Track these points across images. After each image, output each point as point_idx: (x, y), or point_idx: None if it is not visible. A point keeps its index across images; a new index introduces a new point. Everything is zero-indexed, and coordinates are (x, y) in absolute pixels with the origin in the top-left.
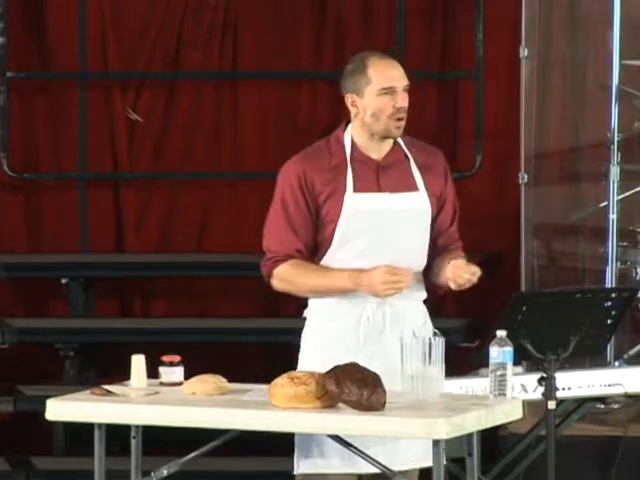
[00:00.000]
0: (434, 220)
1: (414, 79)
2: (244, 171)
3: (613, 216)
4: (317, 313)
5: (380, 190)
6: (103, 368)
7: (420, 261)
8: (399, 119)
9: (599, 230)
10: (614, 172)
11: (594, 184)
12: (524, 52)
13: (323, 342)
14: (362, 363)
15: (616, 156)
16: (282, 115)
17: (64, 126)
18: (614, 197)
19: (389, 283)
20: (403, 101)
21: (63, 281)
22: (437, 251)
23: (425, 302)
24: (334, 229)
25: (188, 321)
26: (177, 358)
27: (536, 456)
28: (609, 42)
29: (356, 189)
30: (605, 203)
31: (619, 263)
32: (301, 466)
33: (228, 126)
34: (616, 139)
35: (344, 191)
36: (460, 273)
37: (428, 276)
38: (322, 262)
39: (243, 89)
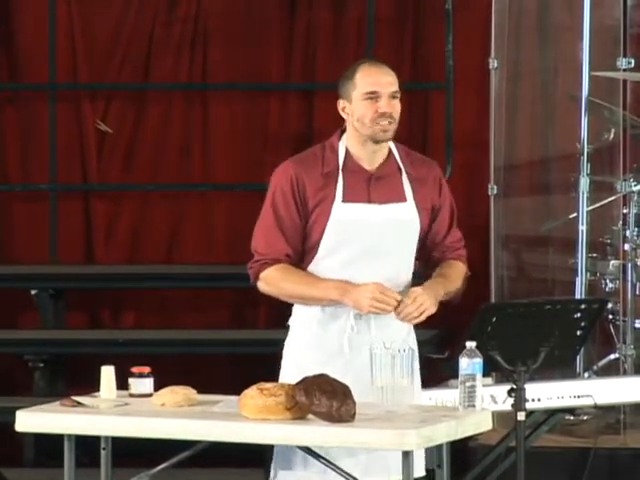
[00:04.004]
0: (427, 233)
1: None
2: (214, 182)
3: (583, 227)
4: (301, 322)
5: (369, 201)
6: (73, 379)
7: (407, 272)
8: (385, 123)
9: (569, 241)
10: (584, 183)
11: (564, 195)
12: (493, 63)
13: (307, 351)
14: (348, 373)
15: (586, 167)
16: (252, 126)
17: (33, 137)
18: (584, 208)
19: (376, 301)
20: (387, 107)
21: (33, 292)
22: (433, 264)
23: None
24: (321, 238)
25: (158, 332)
26: (147, 369)
27: (506, 467)
28: (578, 53)
29: (345, 199)
30: (575, 214)
31: (589, 274)
32: (279, 476)
33: (198, 137)
34: (586, 150)
35: (333, 200)
36: (403, 307)
37: None
38: (308, 270)
39: (213, 100)
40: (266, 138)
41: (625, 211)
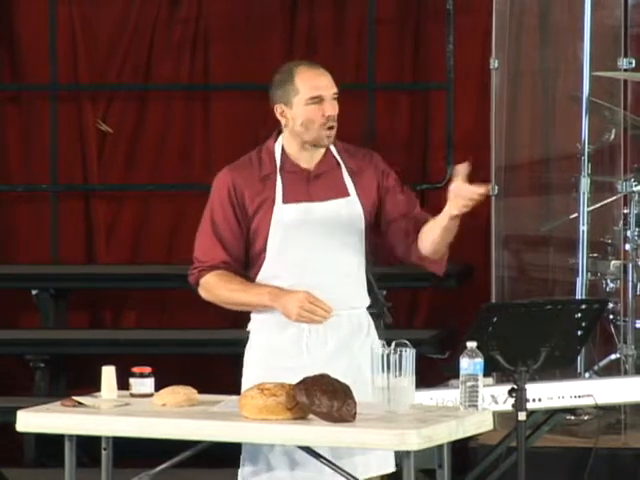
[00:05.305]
0: (380, 217)
1: (385, 90)
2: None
3: (583, 227)
4: (258, 326)
5: (310, 200)
6: (73, 379)
7: (359, 267)
8: (330, 128)
9: (569, 241)
10: (584, 183)
11: (564, 195)
12: (494, 63)
13: (266, 355)
14: (306, 374)
15: (587, 167)
16: (252, 127)
17: (35, 138)
18: (584, 208)
19: (305, 311)
20: (332, 109)
21: (34, 292)
22: (412, 240)
23: (371, 309)
24: (266, 242)
25: (158, 332)
26: (147, 369)
27: (507, 467)
28: (579, 53)
29: (285, 200)
30: (575, 215)
31: (589, 274)
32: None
33: (199, 138)
34: (587, 150)
35: (273, 203)
36: (458, 199)
37: (421, 260)
38: (259, 276)
39: (214, 101)
40: (266, 138)
41: (626, 211)
